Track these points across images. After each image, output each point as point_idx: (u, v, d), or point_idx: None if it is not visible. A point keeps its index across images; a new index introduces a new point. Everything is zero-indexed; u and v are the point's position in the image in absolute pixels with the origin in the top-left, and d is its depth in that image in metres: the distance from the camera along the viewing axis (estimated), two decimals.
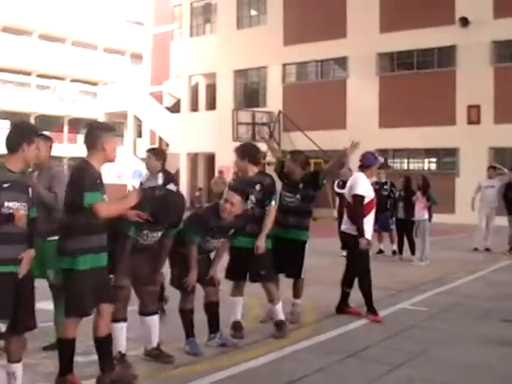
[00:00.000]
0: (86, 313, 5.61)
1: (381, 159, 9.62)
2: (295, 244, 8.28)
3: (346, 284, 9.02)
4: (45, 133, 6.72)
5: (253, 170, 7.83)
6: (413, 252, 15.26)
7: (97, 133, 5.69)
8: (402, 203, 15.35)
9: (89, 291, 5.50)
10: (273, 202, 7.67)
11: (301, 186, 8.39)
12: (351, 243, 8.92)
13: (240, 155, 7.89)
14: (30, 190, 5.32)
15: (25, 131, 5.43)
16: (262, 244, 7.51)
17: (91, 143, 5.68)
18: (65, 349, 5.66)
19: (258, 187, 7.66)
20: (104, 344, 5.74)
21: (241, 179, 8.06)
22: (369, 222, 8.78)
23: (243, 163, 7.85)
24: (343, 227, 9.00)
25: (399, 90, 29.71)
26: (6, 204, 5.06)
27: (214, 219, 6.88)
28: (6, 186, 5.08)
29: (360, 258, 8.84)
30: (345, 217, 9.01)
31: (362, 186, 8.78)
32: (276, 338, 7.50)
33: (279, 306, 7.76)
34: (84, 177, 5.48)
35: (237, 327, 7.66)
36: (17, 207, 5.12)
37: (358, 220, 8.60)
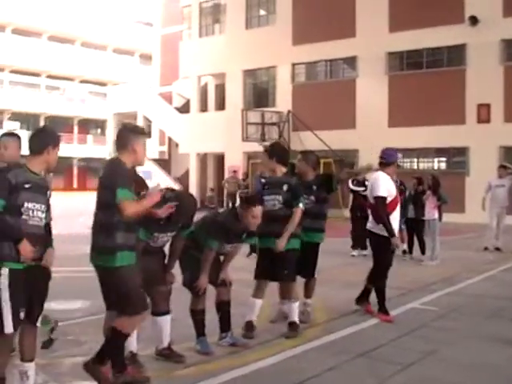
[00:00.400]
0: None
1: (400, 155, 9.81)
2: (310, 245, 8.29)
3: (370, 281, 9.00)
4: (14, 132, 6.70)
5: (281, 170, 7.87)
6: (423, 252, 15.26)
7: (128, 135, 5.77)
8: (413, 203, 15.35)
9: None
10: (300, 204, 7.66)
11: (314, 187, 8.40)
12: (375, 242, 8.89)
13: (268, 155, 7.93)
14: (48, 192, 5.42)
15: (51, 134, 5.59)
16: (282, 244, 7.54)
17: (122, 144, 5.75)
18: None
19: (285, 187, 7.69)
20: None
21: (269, 178, 8.02)
22: (395, 219, 8.78)
23: (271, 163, 7.88)
24: (369, 225, 8.97)
25: (409, 90, 29.63)
26: (26, 205, 5.16)
27: (234, 226, 6.90)
28: (27, 186, 5.18)
29: (384, 256, 8.86)
30: (370, 216, 8.99)
31: (383, 185, 8.73)
32: (287, 338, 7.52)
33: (296, 306, 7.79)
34: (117, 172, 5.56)
35: (249, 327, 7.68)
36: (36, 208, 5.22)
37: (385, 221, 8.55)
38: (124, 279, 5.52)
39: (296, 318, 7.77)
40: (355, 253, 15.83)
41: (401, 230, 15.78)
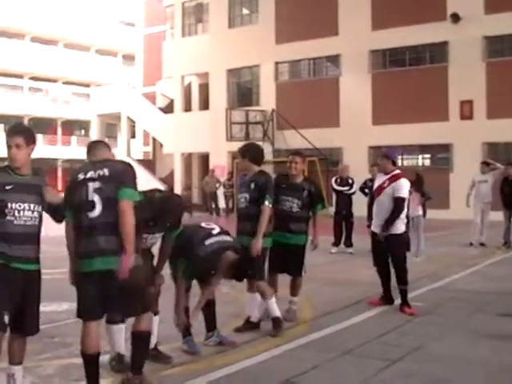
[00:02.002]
0: None
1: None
2: (297, 247, 8.37)
3: (402, 282, 9.17)
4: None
5: (253, 170, 7.90)
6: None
7: None
8: None
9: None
10: (266, 202, 7.66)
11: (305, 193, 8.46)
12: (393, 242, 9.10)
13: (241, 155, 8.04)
14: (42, 190, 5.41)
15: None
16: (258, 244, 7.57)
17: None
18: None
19: (252, 186, 7.75)
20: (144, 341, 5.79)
21: (241, 179, 8.14)
22: (402, 220, 9.21)
23: (244, 163, 7.98)
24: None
25: (392, 87, 29.75)
26: (10, 205, 5.17)
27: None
28: (8, 188, 5.18)
29: (403, 251, 9.40)
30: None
31: (406, 187, 9.20)
32: (273, 337, 7.53)
33: (272, 302, 7.73)
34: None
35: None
36: (23, 208, 5.22)
37: (395, 219, 8.99)
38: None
39: (277, 313, 7.71)
40: (334, 250, 15.92)
41: None
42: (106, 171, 5.44)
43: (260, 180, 7.80)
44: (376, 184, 9.48)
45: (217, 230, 6.95)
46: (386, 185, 9.11)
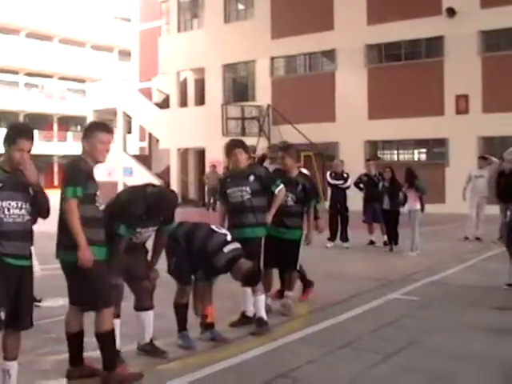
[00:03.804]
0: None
1: None
2: (292, 242, 8.37)
3: None
4: None
5: (245, 163, 7.90)
6: (396, 242, 15.36)
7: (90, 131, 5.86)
8: (388, 194, 15.38)
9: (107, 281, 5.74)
10: (277, 189, 7.86)
11: (299, 187, 8.47)
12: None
13: (227, 150, 8.01)
14: (29, 188, 5.40)
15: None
16: (269, 219, 7.83)
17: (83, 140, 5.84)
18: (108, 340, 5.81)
19: (251, 178, 7.74)
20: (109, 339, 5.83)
21: (232, 171, 8.10)
22: None
23: (238, 155, 7.90)
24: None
25: (388, 82, 29.73)
26: (0, 203, 5.17)
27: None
28: None
29: None
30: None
31: None
32: (253, 335, 7.45)
33: (261, 299, 7.65)
34: (70, 171, 5.68)
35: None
36: (11, 206, 5.24)
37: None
38: (90, 273, 5.54)
39: (262, 314, 7.61)
40: (329, 245, 15.91)
41: (381, 221, 15.90)
42: None
43: (259, 171, 7.82)
44: None
45: (229, 235, 7.00)
46: None
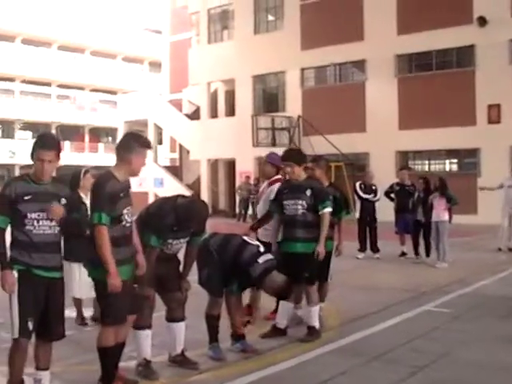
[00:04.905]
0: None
1: None
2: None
3: None
4: None
5: (302, 175, 7.86)
6: (428, 254, 15.22)
7: (130, 144, 5.74)
8: (421, 205, 15.25)
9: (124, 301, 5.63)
10: (326, 209, 7.66)
11: (308, 192, 8.41)
12: None
13: (292, 160, 7.89)
14: (62, 199, 5.45)
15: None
16: (322, 250, 7.60)
17: (121, 153, 5.75)
18: (107, 356, 5.76)
19: (308, 192, 7.70)
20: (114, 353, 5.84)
21: (289, 183, 8.00)
22: None
23: (295, 168, 7.83)
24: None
25: (418, 92, 29.57)
26: (30, 215, 5.23)
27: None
28: (26, 198, 5.23)
29: None
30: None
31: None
32: (302, 342, 7.51)
33: (315, 310, 7.75)
34: (99, 193, 5.57)
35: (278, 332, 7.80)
36: (41, 217, 5.27)
37: None
38: (105, 291, 5.52)
39: (315, 323, 7.73)
40: (360, 256, 15.84)
41: (408, 232, 15.75)
42: None
43: (316, 185, 7.80)
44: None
45: (261, 247, 7.03)
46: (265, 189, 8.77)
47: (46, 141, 5.52)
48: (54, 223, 5.37)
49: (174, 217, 6.18)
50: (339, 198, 8.60)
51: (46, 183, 5.40)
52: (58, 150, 5.44)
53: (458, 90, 28.43)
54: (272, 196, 8.18)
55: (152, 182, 38.21)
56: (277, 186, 8.35)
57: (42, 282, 5.32)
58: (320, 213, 7.62)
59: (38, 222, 5.29)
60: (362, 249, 16.03)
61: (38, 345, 5.50)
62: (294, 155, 8.08)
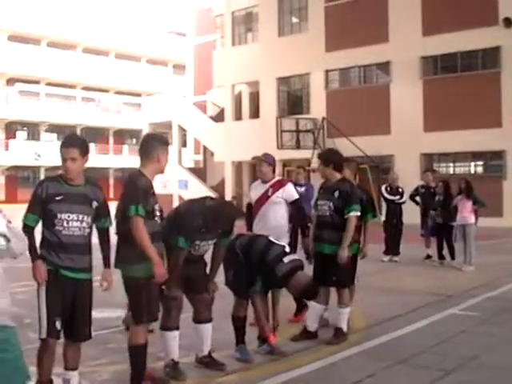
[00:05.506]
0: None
1: None
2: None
3: None
4: None
5: (335, 177, 7.85)
6: (453, 257, 15.10)
7: (154, 144, 5.89)
8: (441, 208, 15.16)
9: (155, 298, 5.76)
10: (352, 213, 7.60)
11: (336, 194, 8.39)
12: None
13: (324, 162, 7.93)
14: (93, 202, 5.50)
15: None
16: (343, 254, 7.54)
17: (147, 153, 5.87)
18: (139, 355, 5.80)
19: (336, 194, 7.69)
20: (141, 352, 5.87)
21: (325, 184, 8.03)
22: None
23: (326, 169, 7.87)
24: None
25: (443, 94, 29.43)
26: (59, 216, 5.27)
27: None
28: (58, 198, 5.28)
29: None
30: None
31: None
32: (327, 344, 7.50)
33: (344, 312, 7.75)
34: (134, 187, 5.67)
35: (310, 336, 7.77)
36: (71, 218, 5.32)
37: None
38: (139, 290, 5.63)
39: (342, 325, 7.73)
40: (385, 258, 15.77)
41: (434, 234, 15.65)
42: None
43: (344, 188, 7.77)
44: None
45: (287, 247, 7.04)
46: (270, 193, 8.35)
47: (68, 139, 5.64)
48: (84, 225, 5.42)
49: (203, 218, 6.21)
50: (366, 201, 8.58)
51: (78, 185, 5.45)
52: (81, 148, 5.47)
53: (484, 91, 28.27)
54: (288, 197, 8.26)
55: (176, 184, 38.36)
56: (288, 186, 8.45)
57: (70, 283, 5.36)
58: (346, 216, 7.60)
59: (67, 222, 5.33)
60: (388, 252, 15.97)
61: (67, 345, 5.55)
62: (324, 156, 8.09)
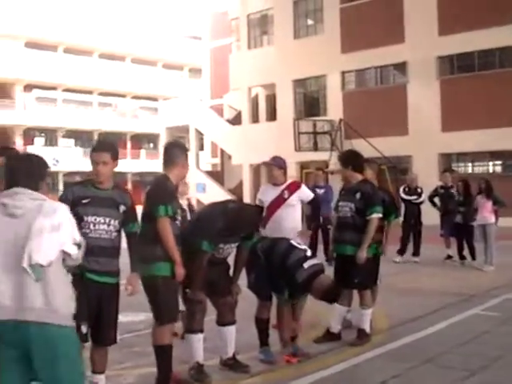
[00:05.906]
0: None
1: None
2: (373, 256, 8.19)
3: None
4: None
5: (356, 178, 7.85)
6: (473, 257, 15.02)
7: (177, 151, 6.11)
8: (461, 208, 15.09)
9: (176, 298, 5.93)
10: (374, 215, 7.61)
11: (358, 196, 8.39)
12: None
13: (343, 163, 7.96)
14: (121, 206, 5.60)
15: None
16: (362, 255, 7.54)
17: (171, 160, 6.07)
18: (165, 355, 5.88)
19: (358, 195, 7.70)
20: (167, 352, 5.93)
21: (346, 185, 8.10)
22: None
23: (346, 171, 7.90)
24: None
25: (461, 93, 29.29)
26: (86, 218, 5.33)
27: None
28: (84, 201, 5.36)
29: None
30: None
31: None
32: (351, 346, 7.51)
33: (366, 313, 7.77)
34: (162, 189, 5.86)
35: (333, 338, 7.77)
36: (98, 221, 5.37)
37: None
38: (158, 289, 5.74)
39: (365, 326, 7.74)
40: (397, 259, 15.57)
41: (453, 235, 15.56)
42: None
43: (366, 189, 7.76)
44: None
45: (308, 251, 7.02)
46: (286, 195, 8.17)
47: (99, 144, 5.93)
48: (111, 228, 5.47)
49: (225, 221, 6.24)
50: (388, 202, 8.58)
51: (106, 188, 5.53)
52: (113, 152, 5.64)
53: (501, 90, 28.10)
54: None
55: (194, 187, 38.40)
56: (303, 187, 8.51)
57: (94, 286, 5.41)
58: (368, 217, 7.60)
59: (94, 225, 5.39)
60: (402, 252, 15.83)
61: (94, 348, 5.60)
62: (343, 157, 8.11)
